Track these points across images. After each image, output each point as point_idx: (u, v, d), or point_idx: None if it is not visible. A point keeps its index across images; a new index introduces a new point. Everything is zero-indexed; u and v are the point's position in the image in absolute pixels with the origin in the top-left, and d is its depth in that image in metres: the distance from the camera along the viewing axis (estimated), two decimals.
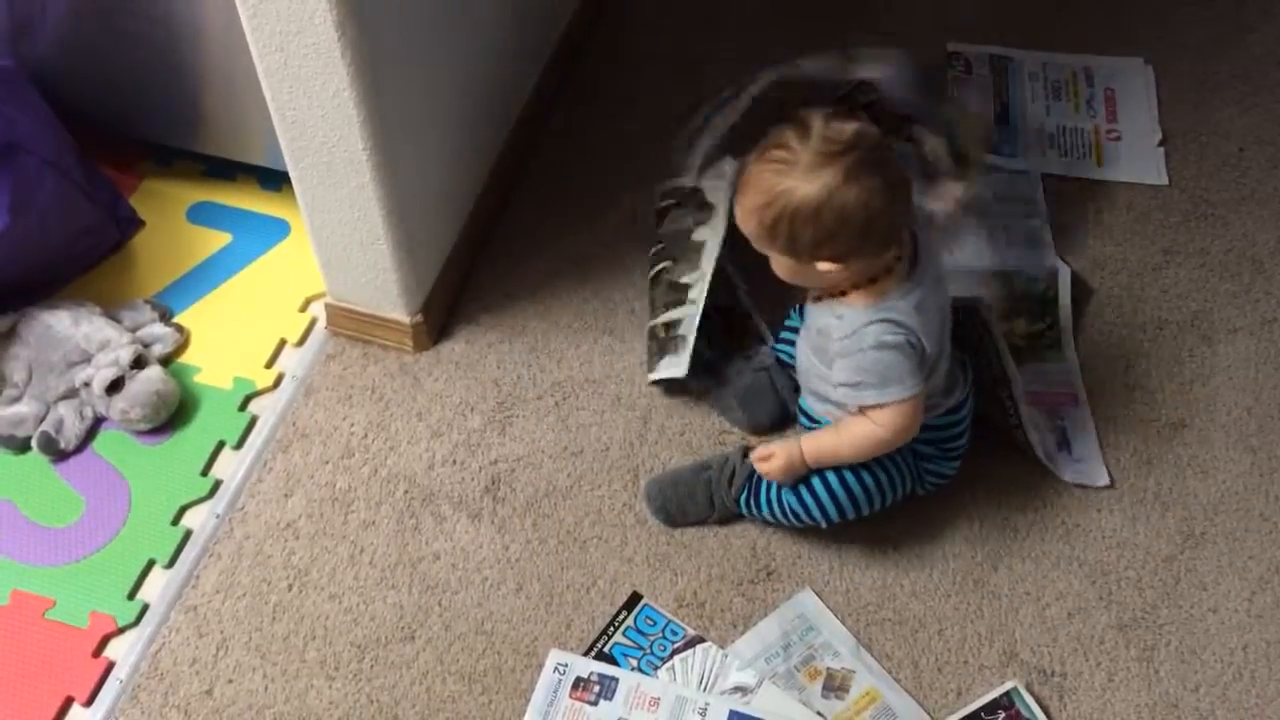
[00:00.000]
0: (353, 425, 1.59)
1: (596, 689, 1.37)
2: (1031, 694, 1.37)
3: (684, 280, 1.58)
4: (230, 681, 1.39)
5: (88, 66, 1.69)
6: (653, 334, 1.61)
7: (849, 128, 1.21)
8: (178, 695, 1.38)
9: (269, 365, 1.66)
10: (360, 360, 1.65)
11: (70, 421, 1.57)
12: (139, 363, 1.58)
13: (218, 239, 1.78)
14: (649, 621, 1.43)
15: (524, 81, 1.84)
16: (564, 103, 1.93)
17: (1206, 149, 1.88)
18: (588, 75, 1.98)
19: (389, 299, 1.59)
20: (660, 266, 1.63)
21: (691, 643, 1.41)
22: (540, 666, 1.39)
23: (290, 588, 1.46)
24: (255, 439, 1.58)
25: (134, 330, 1.64)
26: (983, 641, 1.42)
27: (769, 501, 1.42)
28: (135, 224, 1.79)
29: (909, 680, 1.39)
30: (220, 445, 1.58)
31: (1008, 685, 1.38)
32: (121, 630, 1.43)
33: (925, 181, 1.60)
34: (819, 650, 1.40)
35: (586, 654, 1.40)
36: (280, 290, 1.72)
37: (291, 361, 1.66)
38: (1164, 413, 1.59)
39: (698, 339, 1.53)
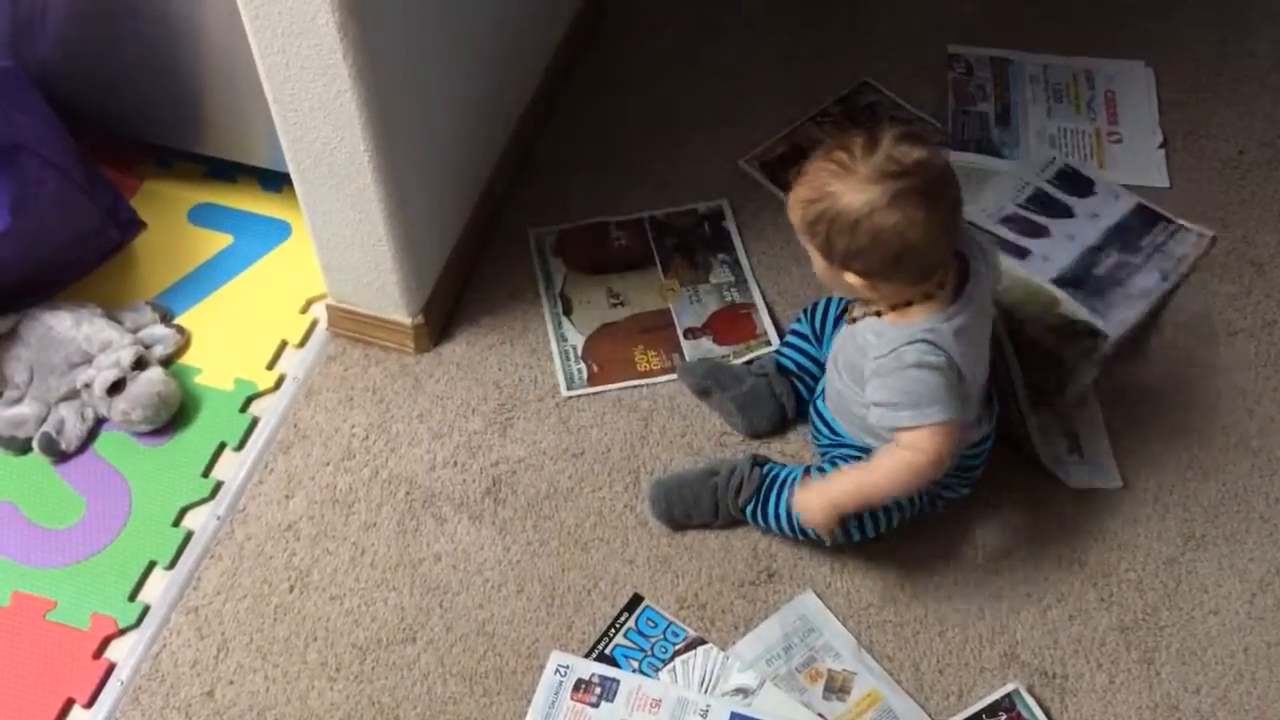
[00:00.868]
0: (354, 427, 1.59)
1: (598, 691, 1.37)
2: (1033, 696, 1.37)
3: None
4: (231, 683, 1.39)
5: (89, 67, 1.69)
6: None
7: (915, 153, 1.18)
8: (179, 697, 1.38)
9: (270, 366, 1.66)
10: (361, 362, 1.65)
11: (71, 423, 1.57)
12: (140, 364, 1.58)
13: (219, 240, 1.78)
14: (650, 623, 1.43)
15: (526, 83, 1.84)
16: (566, 104, 1.93)
17: (1207, 151, 1.88)
18: (590, 76, 1.98)
19: (390, 300, 1.59)
20: None
21: (693, 644, 1.41)
22: (541, 668, 1.39)
23: (291, 589, 1.46)
24: (256, 440, 1.58)
25: (135, 331, 1.64)
26: (984, 643, 1.42)
27: (777, 517, 1.42)
28: (136, 225, 1.79)
29: (910, 682, 1.39)
30: (221, 446, 1.58)
31: (1009, 687, 1.38)
32: (122, 632, 1.43)
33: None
34: (820, 652, 1.40)
35: (588, 656, 1.40)
36: (281, 291, 1.72)
37: (292, 363, 1.66)
38: (1165, 414, 1.60)
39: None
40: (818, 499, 1.34)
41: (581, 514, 1.51)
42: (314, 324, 1.69)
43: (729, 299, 1.70)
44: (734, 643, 1.41)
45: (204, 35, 1.57)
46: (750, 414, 1.55)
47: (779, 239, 1.75)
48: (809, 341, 1.54)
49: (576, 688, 1.37)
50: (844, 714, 1.36)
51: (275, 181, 1.80)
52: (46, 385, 1.59)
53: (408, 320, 1.61)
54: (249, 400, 1.62)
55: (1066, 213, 1.79)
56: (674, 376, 1.61)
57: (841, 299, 1.47)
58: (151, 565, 1.48)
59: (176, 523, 1.52)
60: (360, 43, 1.25)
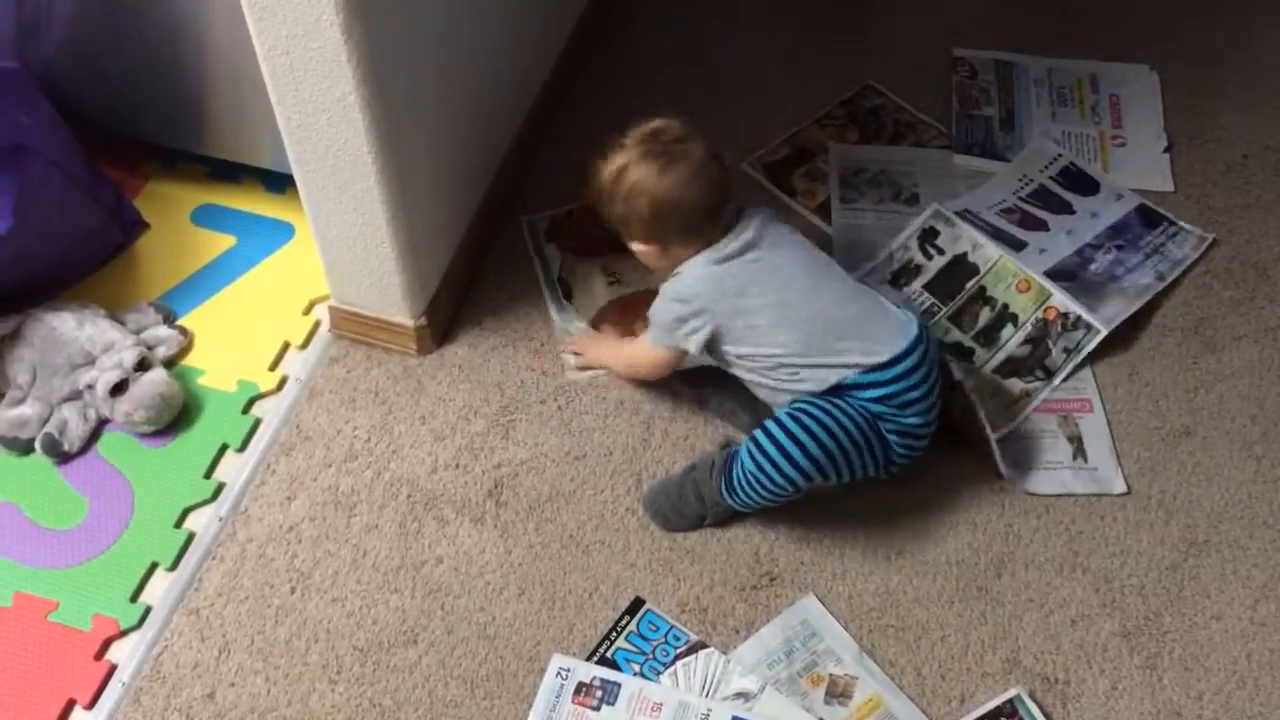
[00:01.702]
0: (356, 428, 1.59)
1: (599, 694, 1.37)
2: (1034, 701, 1.37)
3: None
4: (232, 685, 1.39)
5: (93, 69, 1.69)
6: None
7: (654, 123, 1.41)
8: (180, 698, 1.38)
9: (272, 368, 1.66)
10: (364, 363, 1.65)
11: (74, 423, 1.58)
12: (143, 365, 1.58)
13: (222, 241, 1.78)
14: (651, 627, 1.42)
15: (530, 84, 1.84)
16: (570, 105, 1.93)
17: (1211, 155, 1.88)
18: (594, 77, 1.98)
19: (393, 302, 1.59)
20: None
21: (694, 648, 1.41)
22: (542, 671, 1.39)
23: (293, 591, 1.46)
24: (258, 442, 1.58)
25: (138, 332, 1.64)
26: (986, 648, 1.41)
27: (740, 479, 1.42)
28: (140, 226, 1.79)
29: (912, 687, 1.39)
30: (223, 448, 1.58)
31: (1011, 692, 1.37)
32: (124, 633, 1.43)
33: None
34: (821, 656, 1.40)
35: (589, 659, 1.40)
36: (284, 293, 1.73)
37: (295, 364, 1.66)
38: (1168, 420, 1.59)
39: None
40: (593, 343, 1.62)
41: (583, 517, 1.51)
42: (316, 325, 1.70)
43: None
44: (735, 646, 1.41)
45: (208, 37, 1.57)
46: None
47: None
48: None
49: (578, 691, 1.37)
50: (845, 719, 1.36)
51: (278, 183, 1.80)
52: (49, 386, 1.59)
53: (410, 322, 1.61)
54: (251, 401, 1.62)
55: (1067, 209, 1.79)
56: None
57: None
58: (153, 566, 1.48)
59: (178, 524, 1.52)
60: (364, 45, 1.25)
